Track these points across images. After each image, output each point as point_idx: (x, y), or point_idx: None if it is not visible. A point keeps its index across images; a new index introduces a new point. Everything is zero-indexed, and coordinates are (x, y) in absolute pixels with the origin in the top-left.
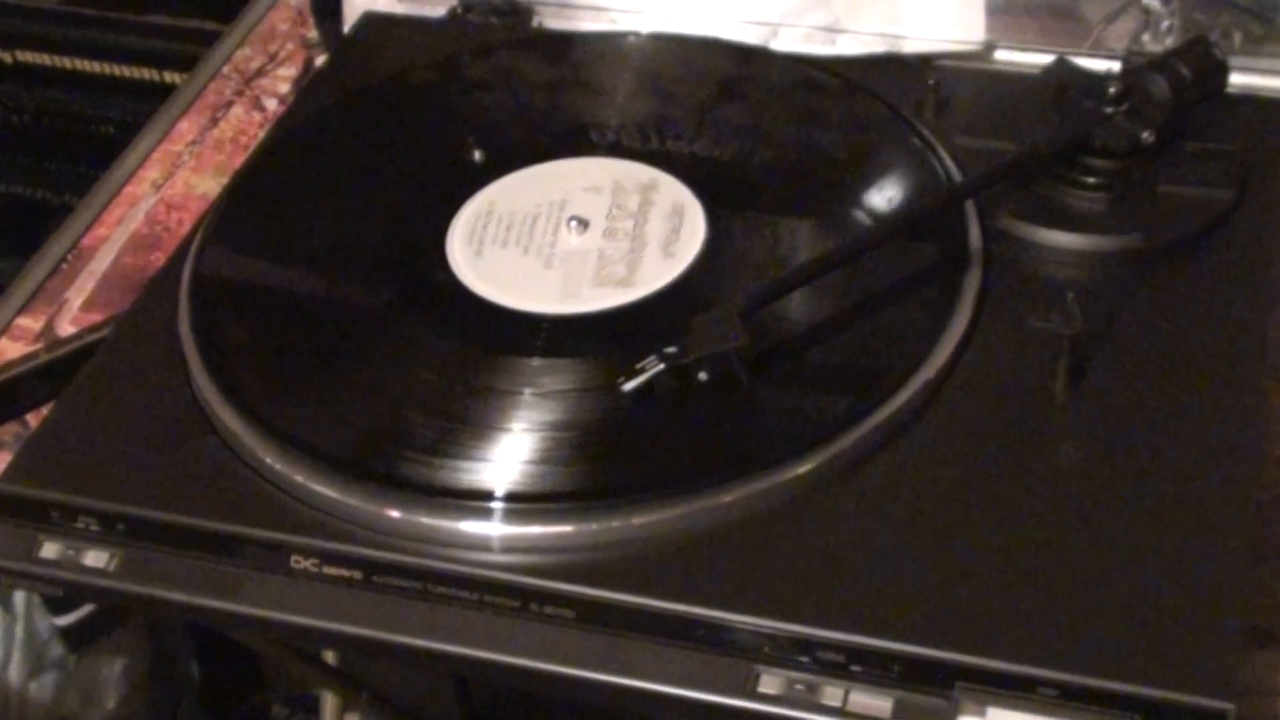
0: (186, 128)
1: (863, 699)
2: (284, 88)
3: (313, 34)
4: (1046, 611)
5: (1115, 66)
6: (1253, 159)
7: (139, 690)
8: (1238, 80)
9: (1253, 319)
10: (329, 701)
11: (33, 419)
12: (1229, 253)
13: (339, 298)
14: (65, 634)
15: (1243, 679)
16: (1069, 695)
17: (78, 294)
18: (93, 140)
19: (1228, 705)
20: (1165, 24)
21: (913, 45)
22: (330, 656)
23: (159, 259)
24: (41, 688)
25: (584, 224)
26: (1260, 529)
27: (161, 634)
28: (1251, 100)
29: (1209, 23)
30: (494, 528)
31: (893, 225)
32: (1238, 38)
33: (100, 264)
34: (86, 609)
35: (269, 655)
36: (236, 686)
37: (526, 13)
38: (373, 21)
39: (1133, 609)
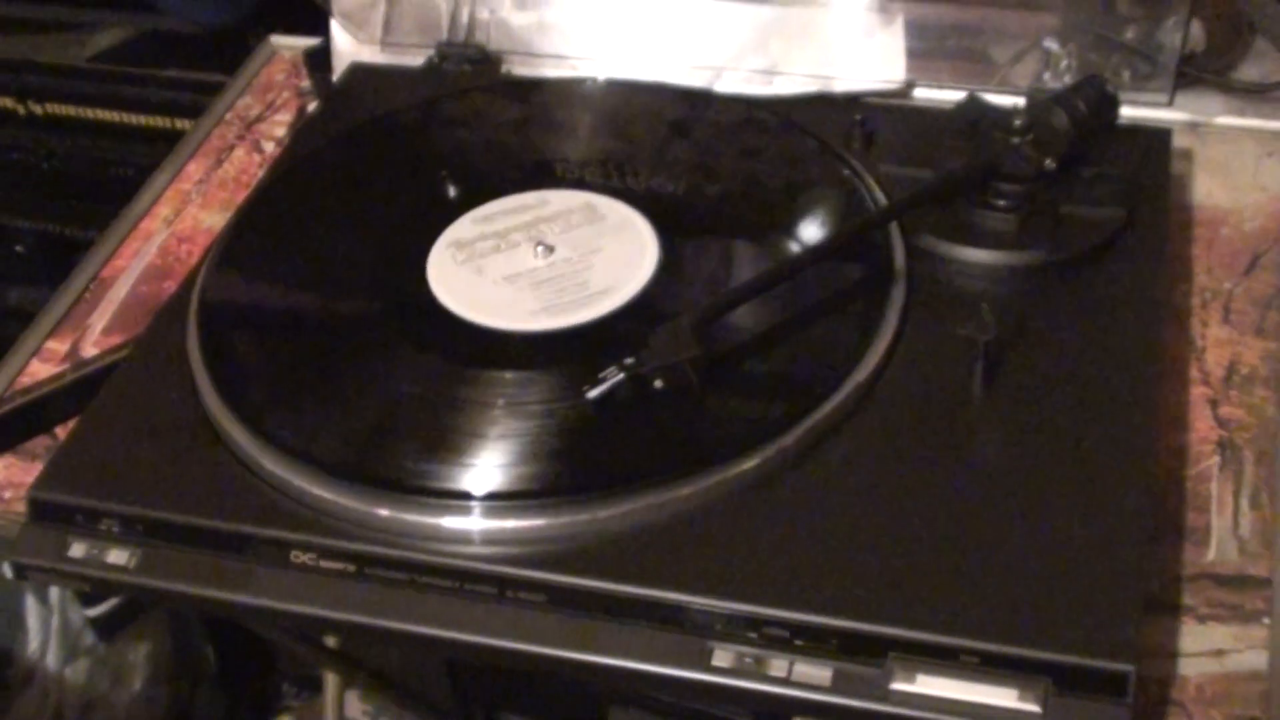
0: (194, 169)
1: (805, 669)
2: (280, 132)
3: (306, 83)
4: (968, 587)
5: (1020, 101)
6: (1141, 182)
7: (162, 673)
8: (1127, 112)
9: (1145, 322)
10: (331, 680)
11: (60, 432)
12: (1123, 264)
13: (331, 319)
14: (95, 624)
15: (1143, 643)
16: (988, 662)
17: (99, 319)
18: (113, 181)
19: (1129, 667)
20: (1064, 63)
21: (841, 85)
22: (331, 640)
23: (170, 287)
24: (76, 671)
25: (550, 249)
26: (1156, 509)
27: (181, 623)
28: (1139, 130)
29: (1102, 62)
30: (473, 523)
31: (826, 246)
32: (1127, 75)
33: (119, 292)
34: (113, 601)
35: (277, 640)
36: (249, 668)
37: (496, 61)
38: (359, 71)
39: (1044, 583)
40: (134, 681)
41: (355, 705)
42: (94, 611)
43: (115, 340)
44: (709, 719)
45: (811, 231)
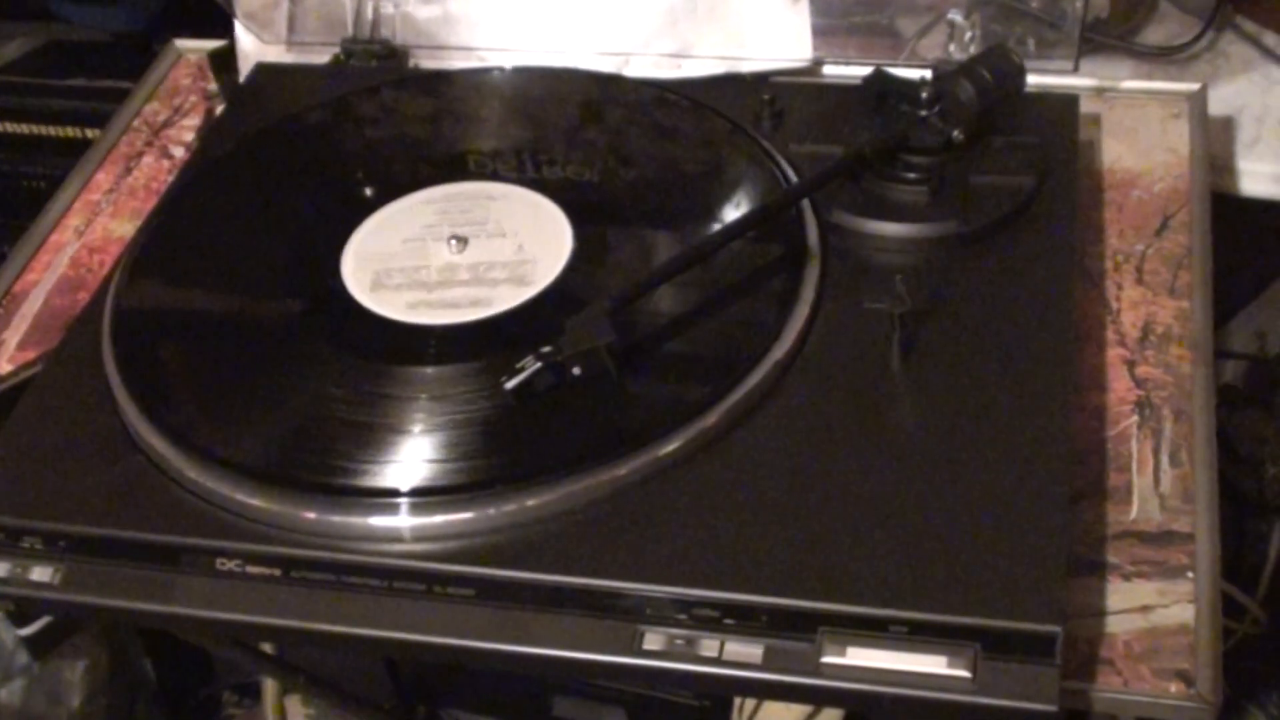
0: (103, 178)
1: (736, 648)
2: (189, 137)
3: (212, 86)
4: (894, 558)
5: (927, 74)
6: (1050, 149)
7: (100, 689)
8: (1034, 80)
9: (1058, 287)
10: (270, 686)
11: None
12: (1035, 231)
13: (247, 323)
14: (29, 643)
15: (1069, 604)
16: (917, 630)
17: (13, 335)
18: (24, 194)
19: (1056, 628)
20: (968, 34)
21: (749, 66)
22: (267, 646)
23: (84, 298)
24: (11, 693)
25: (463, 241)
26: (1076, 471)
27: (117, 636)
28: (1046, 97)
29: (1006, 31)
30: (399, 520)
31: (739, 225)
32: (1032, 43)
33: (32, 306)
34: (46, 619)
35: (214, 649)
36: (189, 678)
37: (403, 55)
38: (264, 71)
39: (969, 551)
40: (72, 699)
41: (297, 709)
42: (26, 630)
43: (30, 355)
44: (653, 702)
45: (724, 212)
